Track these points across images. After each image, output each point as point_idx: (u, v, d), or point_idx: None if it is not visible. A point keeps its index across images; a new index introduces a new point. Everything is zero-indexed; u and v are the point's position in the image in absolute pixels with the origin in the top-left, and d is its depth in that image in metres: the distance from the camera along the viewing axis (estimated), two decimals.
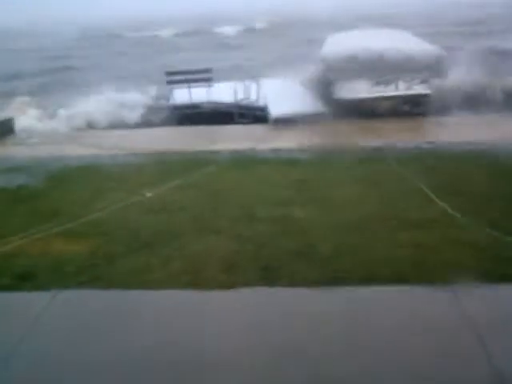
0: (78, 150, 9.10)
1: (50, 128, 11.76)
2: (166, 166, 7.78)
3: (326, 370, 3.26)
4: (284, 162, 7.77)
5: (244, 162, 7.93)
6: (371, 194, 6.17)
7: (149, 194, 6.45)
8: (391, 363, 3.30)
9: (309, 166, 7.55)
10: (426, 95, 10.84)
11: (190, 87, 12.08)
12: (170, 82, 12.48)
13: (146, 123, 12.24)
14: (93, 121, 12.27)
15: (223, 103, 11.99)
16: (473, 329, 3.56)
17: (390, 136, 9.05)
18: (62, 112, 12.72)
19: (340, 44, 11.95)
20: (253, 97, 11.85)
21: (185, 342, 3.61)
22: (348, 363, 3.32)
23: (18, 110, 12.72)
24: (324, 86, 11.64)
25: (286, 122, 10.44)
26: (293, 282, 4.29)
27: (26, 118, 12.34)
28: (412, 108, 11.08)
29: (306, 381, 3.20)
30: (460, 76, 12.00)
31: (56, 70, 22.96)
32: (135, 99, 13.64)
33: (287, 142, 9.07)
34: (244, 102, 11.83)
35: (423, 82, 10.76)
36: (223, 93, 11.95)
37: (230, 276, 4.43)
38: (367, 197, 6.09)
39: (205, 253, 4.85)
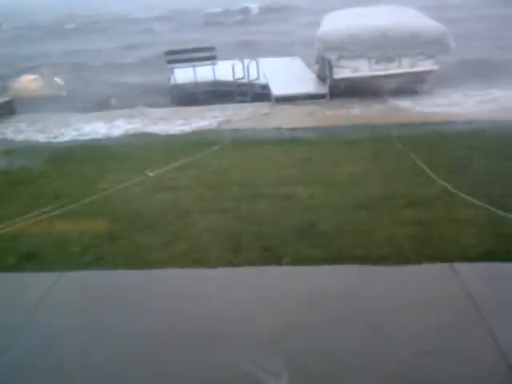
0: None
1: None
2: None
3: (328, 347, 3.30)
4: None
5: None
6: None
7: None
8: (392, 340, 3.34)
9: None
10: (431, 72, 10.69)
11: (193, 66, 11.95)
12: (170, 62, 12.35)
13: None
14: None
15: (226, 82, 11.91)
16: (473, 305, 3.59)
17: None
18: None
19: (338, 22, 11.78)
20: (255, 76, 11.76)
21: (188, 320, 3.64)
22: (350, 339, 3.36)
23: None
24: (323, 65, 11.54)
25: (286, 100, 10.44)
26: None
27: None
28: (416, 85, 10.95)
29: (310, 355, 3.23)
30: None
31: None
32: None
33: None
34: (245, 81, 11.75)
35: (428, 58, 10.58)
36: (227, 71, 11.83)
37: None
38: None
39: None
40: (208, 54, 12.21)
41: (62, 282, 4.20)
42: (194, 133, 9.10)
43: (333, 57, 10.69)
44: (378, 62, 10.56)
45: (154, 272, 4.28)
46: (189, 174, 6.46)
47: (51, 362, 3.32)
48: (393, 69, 10.55)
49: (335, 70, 10.67)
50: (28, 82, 13.25)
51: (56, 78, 13.62)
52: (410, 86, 10.91)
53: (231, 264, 4.32)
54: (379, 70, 10.55)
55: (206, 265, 4.32)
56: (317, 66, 12.32)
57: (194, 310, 3.74)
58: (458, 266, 4.04)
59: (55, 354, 3.39)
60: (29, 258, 4.57)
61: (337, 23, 11.62)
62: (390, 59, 10.55)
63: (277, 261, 4.31)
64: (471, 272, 3.98)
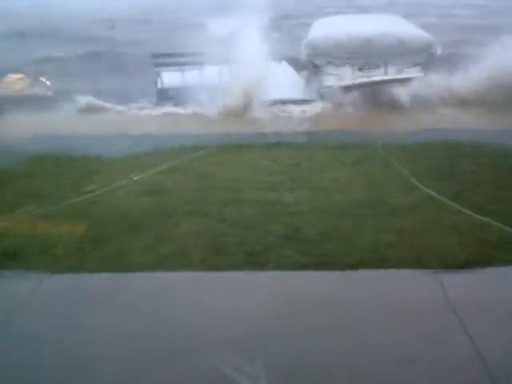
0: None
1: None
2: None
3: (309, 352, 3.30)
4: None
5: None
6: None
7: None
8: (375, 345, 3.34)
9: None
10: (417, 79, 10.81)
11: (180, 70, 11.88)
12: (157, 65, 12.27)
13: None
14: None
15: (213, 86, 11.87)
16: (455, 311, 3.61)
17: None
18: None
19: (326, 29, 11.85)
20: None
21: (170, 324, 3.63)
22: (332, 345, 3.36)
23: None
24: (311, 71, 11.61)
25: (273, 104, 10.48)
26: None
27: None
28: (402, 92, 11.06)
29: (293, 362, 3.23)
30: None
31: None
32: None
33: None
34: None
35: (414, 65, 10.72)
36: (213, 76, 11.79)
37: None
38: None
39: None
40: (196, 59, 12.17)
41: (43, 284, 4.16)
42: None
43: (321, 63, 10.79)
44: (364, 68, 10.67)
45: (135, 275, 4.26)
46: None
47: (27, 366, 3.28)
48: (379, 75, 10.67)
49: (323, 75, 10.77)
50: (13, 82, 13.14)
51: (42, 78, 13.50)
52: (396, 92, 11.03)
53: None
54: (366, 76, 10.66)
55: None
56: (305, 72, 12.39)
57: (175, 314, 3.73)
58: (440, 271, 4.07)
59: (32, 356, 3.35)
60: None
61: (326, 29, 11.70)
62: (376, 66, 10.67)
63: None
64: (453, 278, 4.01)
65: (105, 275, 4.28)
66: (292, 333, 3.48)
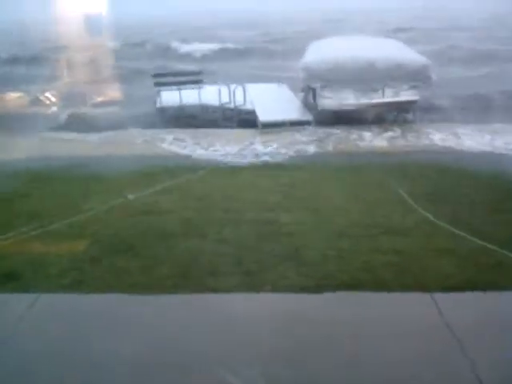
0: None
1: None
2: None
3: (308, 374, 3.28)
4: None
5: None
6: None
7: None
8: (374, 366, 3.32)
9: None
10: (413, 102, 10.92)
11: (179, 89, 11.98)
12: (157, 84, 12.39)
13: None
14: None
15: (212, 106, 11.97)
16: (451, 333, 3.60)
17: None
18: None
19: (322, 51, 11.96)
20: (241, 101, 11.84)
21: (164, 346, 3.60)
22: (331, 366, 3.34)
23: None
24: (308, 93, 11.70)
25: (272, 127, 10.52)
26: None
27: None
28: (399, 115, 11.19)
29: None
30: None
31: None
32: None
33: None
34: (231, 106, 11.82)
35: (410, 88, 10.83)
36: (213, 96, 11.88)
37: None
38: None
39: None
40: (195, 78, 12.30)
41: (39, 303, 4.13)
42: None
43: (316, 86, 10.88)
44: (361, 91, 10.75)
45: (131, 297, 4.23)
46: None
47: None
48: (376, 99, 10.75)
49: (319, 98, 10.84)
50: (11, 100, 13.25)
51: (41, 97, 13.55)
52: (393, 115, 11.14)
53: None
54: (363, 99, 10.73)
55: None
56: (302, 94, 12.48)
57: (171, 337, 3.70)
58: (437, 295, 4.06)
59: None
60: None
61: (320, 53, 11.80)
62: (373, 89, 10.74)
63: None
64: (450, 301, 4.01)
65: (102, 296, 4.27)
66: (291, 352, 3.46)
